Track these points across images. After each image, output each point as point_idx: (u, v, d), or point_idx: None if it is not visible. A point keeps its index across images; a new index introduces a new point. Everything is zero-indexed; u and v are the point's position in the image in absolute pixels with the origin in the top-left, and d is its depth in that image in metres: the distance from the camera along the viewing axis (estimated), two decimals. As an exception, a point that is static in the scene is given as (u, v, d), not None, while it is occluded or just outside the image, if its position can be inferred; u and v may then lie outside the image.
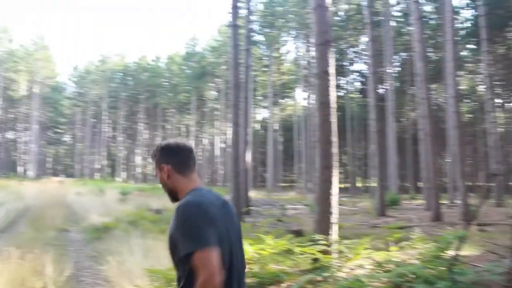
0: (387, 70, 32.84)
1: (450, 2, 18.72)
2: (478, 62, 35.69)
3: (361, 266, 5.64)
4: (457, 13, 33.16)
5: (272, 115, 51.24)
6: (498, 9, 28.60)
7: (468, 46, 37.59)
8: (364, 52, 44.47)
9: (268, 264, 5.57)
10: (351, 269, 5.64)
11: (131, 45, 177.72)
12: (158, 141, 65.24)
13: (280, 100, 57.89)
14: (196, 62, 58.72)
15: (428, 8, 36.96)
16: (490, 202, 19.78)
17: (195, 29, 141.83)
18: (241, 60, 18.25)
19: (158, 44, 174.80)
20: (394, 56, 36.44)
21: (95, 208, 15.20)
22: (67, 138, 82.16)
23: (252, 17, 27.79)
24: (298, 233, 8.45)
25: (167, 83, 64.75)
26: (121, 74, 68.01)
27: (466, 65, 40.63)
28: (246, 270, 5.32)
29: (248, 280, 5.09)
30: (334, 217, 6.43)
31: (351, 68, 49.10)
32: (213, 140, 62.78)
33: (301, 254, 5.78)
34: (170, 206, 12.39)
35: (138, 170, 65.30)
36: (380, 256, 5.87)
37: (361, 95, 50.78)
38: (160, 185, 1.94)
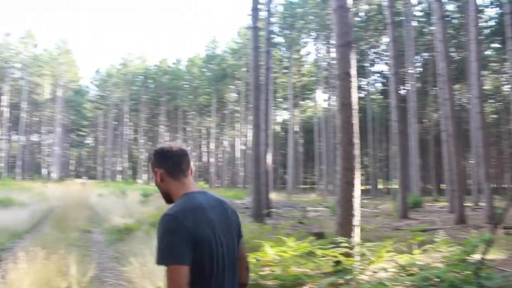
0: (409, 71, 32.43)
1: (474, 1, 18.42)
2: (503, 61, 35.07)
3: (384, 269, 5.56)
4: (481, 11, 32.64)
5: (293, 117, 51.12)
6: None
7: (493, 45, 36.94)
8: (385, 53, 44.13)
9: (290, 267, 5.54)
10: (374, 272, 5.57)
11: (150, 47, 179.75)
12: (179, 143, 65.39)
13: (300, 102, 57.79)
14: (217, 64, 58.99)
15: (450, 7, 36.43)
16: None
17: (215, 31, 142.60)
18: (262, 62, 18.24)
19: (178, 47, 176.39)
20: (416, 57, 35.97)
21: (117, 209, 15.34)
22: (89, 140, 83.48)
23: (272, 19, 27.79)
24: (320, 236, 8.39)
25: (187, 86, 65.22)
26: (142, 77, 68.74)
27: (491, 64, 39.94)
28: (267, 272, 5.32)
29: (269, 283, 5.09)
30: (356, 220, 6.37)
31: (372, 69, 48.72)
32: (234, 142, 62.98)
33: (322, 256, 5.74)
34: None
35: (159, 172, 65.66)
36: (403, 259, 5.78)
37: (382, 96, 50.36)
38: None
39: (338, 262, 5.58)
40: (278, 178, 61.36)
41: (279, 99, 58.27)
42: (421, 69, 42.48)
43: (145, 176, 62.60)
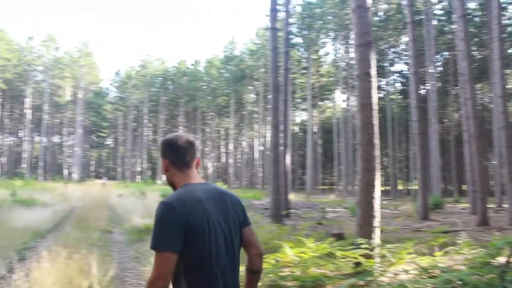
0: (429, 70, 32.02)
1: (496, -2, 18.08)
2: (526, 60, 34.31)
3: (405, 271, 5.49)
4: (504, 9, 32.07)
5: (311, 118, 50.94)
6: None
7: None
8: (404, 52, 43.67)
9: (310, 268, 5.51)
10: (395, 274, 5.50)
11: (169, 48, 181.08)
12: (197, 144, 65.88)
13: (319, 102, 57.52)
14: (235, 65, 59.16)
15: (472, 4, 35.87)
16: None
17: (233, 33, 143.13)
18: (280, 62, 18.22)
19: (195, 48, 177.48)
20: (436, 56, 35.52)
21: (137, 210, 15.48)
22: (109, 141, 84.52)
23: (291, 20, 27.71)
24: (339, 237, 8.34)
25: (206, 87, 65.55)
26: (161, 78, 69.30)
27: (514, 63, 39.19)
28: (287, 273, 5.30)
29: (289, 284, 5.07)
30: (377, 221, 6.30)
31: (391, 69, 48.23)
32: (252, 143, 63.03)
33: (342, 258, 5.70)
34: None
35: (178, 172, 66.11)
36: (424, 261, 5.69)
37: (401, 96, 49.85)
38: None
39: (358, 264, 5.53)
40: (297, 179, 61.21)
41: (298, 100, 58.15)
42: (442, 68, 41.93)
43: (164, 177, 62.95)
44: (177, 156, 1.94)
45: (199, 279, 1.74)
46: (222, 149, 74.10)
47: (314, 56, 51.13)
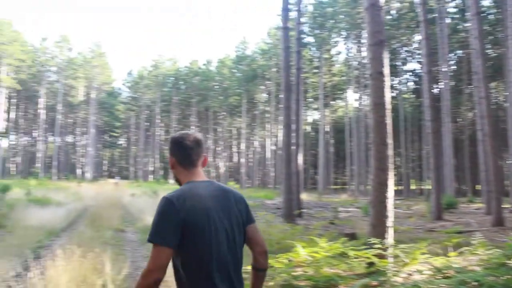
0: (443, 69, 31.74)
1: (511, -4, 17.87)
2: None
3: (418, 272, 5.45)
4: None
5: (323, 117, 50.75)
6: None
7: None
8: (417, 51, 43.31)
9: (322, 267, 5.49)
10: (408, 274, 5.46)
11: (181, 48, 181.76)
12: (209, 144, 66.65)
13: (331, 102, 57.32)
14: (247, 65, 59.20)
15: (486, 2, 35.45)
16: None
17: (244, 32, 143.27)
18: (292, 62, 18.19)
19: (206, 48, 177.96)
20: (449, 54, 35.18)
21: (149, 209, 15.54)
22: (122, 141, 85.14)
23: (302, 19, 27.66)
24: (352, 236, 8.30)
25: (218, 87, 65.67)
26: (173, 78, 69.58)
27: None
28: (300, 273, 5.29)
29: (302, 283, 5.05)
30: (390, 221, 6.27)
31: (404, 68, 47.88)
32: (264, 142, 62.99)
33: (355, 257, 5.67)
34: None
35: (190, 172, 66.36)
36: (438, 261, 5.64)
37: (414, 95, 49.48)
38: None
39: (371, 264, 5.51)
40: (309, 179, 61.08)
41: (310, 99, 57.99)
42: (455, 67, 41.53)
43: (176, 176, 63.01)
44: (184, 155, 1.98)
45: (200, 276, 1.76)
46: (234, 149, 74.17)
47: (326, 56, 50.93)
